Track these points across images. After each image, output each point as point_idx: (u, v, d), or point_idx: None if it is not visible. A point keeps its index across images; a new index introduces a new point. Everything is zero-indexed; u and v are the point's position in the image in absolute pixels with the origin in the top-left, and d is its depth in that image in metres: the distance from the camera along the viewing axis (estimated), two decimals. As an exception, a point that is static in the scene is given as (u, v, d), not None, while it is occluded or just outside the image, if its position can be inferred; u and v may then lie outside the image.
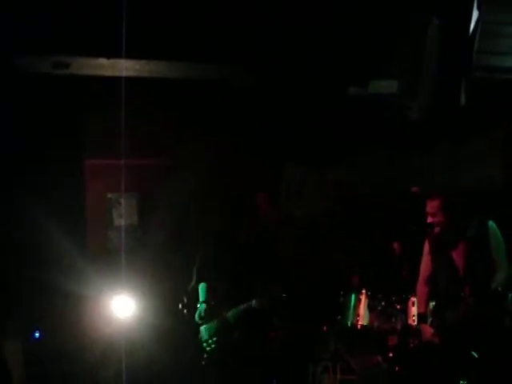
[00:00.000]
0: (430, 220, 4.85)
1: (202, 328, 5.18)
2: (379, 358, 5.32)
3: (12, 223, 5.47)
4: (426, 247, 5.08)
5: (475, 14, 5.03)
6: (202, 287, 5.27)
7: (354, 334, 5.42)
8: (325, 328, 5.55)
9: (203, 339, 5.16)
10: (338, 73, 5.59)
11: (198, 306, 5.22)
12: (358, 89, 5.53)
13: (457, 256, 4.82)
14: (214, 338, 5.11)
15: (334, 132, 6.43)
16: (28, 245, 5.50)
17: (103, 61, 5.19)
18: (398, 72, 5.21)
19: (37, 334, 5.54)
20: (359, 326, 5.38)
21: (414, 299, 5.26)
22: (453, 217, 4.80)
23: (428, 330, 4.89)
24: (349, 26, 5.36)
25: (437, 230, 4.86)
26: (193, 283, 5.23)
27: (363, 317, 5.41)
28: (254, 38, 5.37)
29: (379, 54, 5.32)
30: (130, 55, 5.04)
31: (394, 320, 5.33)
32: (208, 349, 5.12)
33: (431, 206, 4.85)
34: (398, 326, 5.30)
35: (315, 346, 5.57)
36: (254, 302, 5.03)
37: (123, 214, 6.23)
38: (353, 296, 5.48)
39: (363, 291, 5.45)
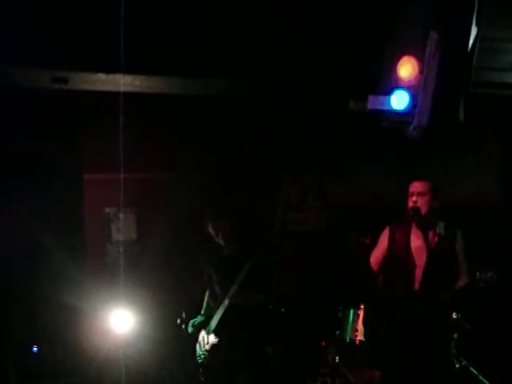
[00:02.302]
0: (414, 201, 4.87)
1: (197, 345, 5.25)
2: (378, 374, 5.32)
3: (10, 237, 5.47)
4: (386, 233, 5.12)
5: (474, 31, 5.02)
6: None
7: (353, 349, 5.42)
8: (323, 343, 5.54)
9: (198, 354, 5.21)
10: (338, 86, 5.60)
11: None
12: (358, 103, 5.52)
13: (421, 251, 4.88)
14: (204, 350, 5.17)
15: (333, 144, 6.44)
16: (26, 259, 5.51)
17: (102, 76, 5.18)
18: (396, 87, 5.21)
19: (35, 349, 5.55)
20: (358, 342, 5.38)
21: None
22: (437, 203, 4.87)
23: None
24: (347, 39, 5.38)
25: (423, 210, 4.87)
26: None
27: (362, 332, 5.40)
28: (254, 52, 5.38)
29: (379, 68, 5.32)
30: (129, 70, 5.05)
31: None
32: (200, 361, 5.17)
33: (421, 185, 4.90)
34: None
35: (314, 361, 5.56)
36: (226, 301, 5.08)
37: (121, 229, 6.23)
38: (351, 311, 5.47)
39: (361, 306, 5.45)
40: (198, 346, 5.32)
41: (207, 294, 5.44)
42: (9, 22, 4.92)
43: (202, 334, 5.31)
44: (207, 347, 5.22)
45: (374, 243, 5.26)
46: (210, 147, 6.13)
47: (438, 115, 5.16)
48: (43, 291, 5.30)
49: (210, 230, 5.30)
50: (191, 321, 5.35)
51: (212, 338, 5.21)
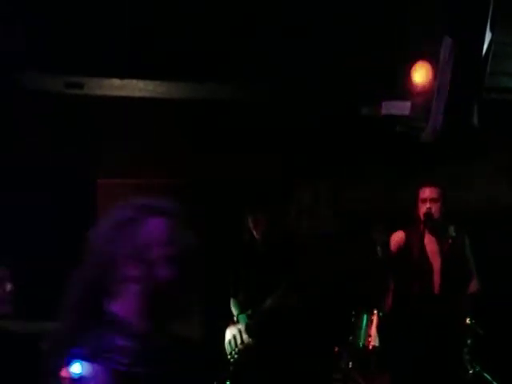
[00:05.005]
0: (428, 208, 4.88)
1: (226, 341, 5.26)
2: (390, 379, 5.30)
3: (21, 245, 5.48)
4: (401, 235, 5.13)
5: (488, 36, 5.02)
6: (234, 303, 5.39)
7: (366, 354, 5.41)
8: (336, 349, 5.53)
9: (227, 352, 5.22)
10: (351, 92, 5.59)
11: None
12: (371, 109, 5.52)
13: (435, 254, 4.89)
14: (237, 349, 5.16)
15: (345, 149, 6.44)
16: (37, 266, 5.51)
17: (116, 81, 5.21)
18: (410, 93, 5.20)
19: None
20: (371, 347, 5.37)
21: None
22: (446, 208, 4.90)
23: None
24: (362, 45, 5.38)
25: (435, 216, 4.88)
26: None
27: (375, 337, 5.39)
28: (266, 56, 5.38)
29: (392, 74, 5.32)
30: (143, 76, 5.07)
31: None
32: (232, 360, 5.18)
33: (434, 191, 4.93)
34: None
35: (326, 366, 5.55)
36: (267, 302, 5.12)
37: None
38: (365, 317, 5.46)
39: (375, 312, 5.44)
40: (228, 344, 5.31)
41: (233, 301, 5.46)
42: (23, 27, 4.96)
43: (233, 332, 5.31)
44: (240, 347, 5.21)
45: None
46: (222, 152, 6.14)
47: (451, 120, 5.15)
48: (55, 298, 5.29)
49: (251, 223, 5.42)
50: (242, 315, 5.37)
51: (246, 338, 5.21)
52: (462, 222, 5.12)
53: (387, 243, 5.12)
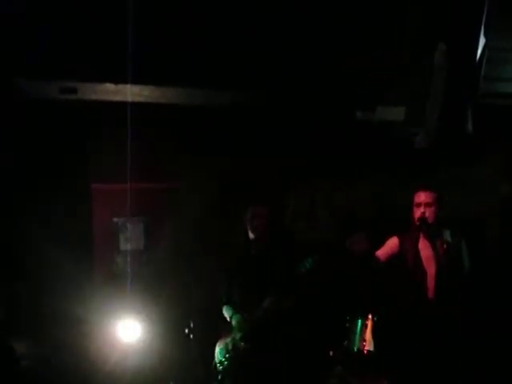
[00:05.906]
0: (422, 212, 4.89)
1: (217, 350, 5.21)
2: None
3: (18, 249, 5.48)
4: (395, 241, 5.13)
5: (482, 41, 5.04)
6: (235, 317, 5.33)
7: (361, 359, 5.40)
8: (331, 353, 5.53)
9: (217, 361, 5.18)
10: (346, 96, 5.61)
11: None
12: (365, 114, 5.53)
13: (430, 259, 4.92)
14: (227, 355, 5.12)
15: (341, 152, 6.43)
16: (34, 270, 5.51)
17: (111, 86, 5.21)
18: (405, 99, 5.22)
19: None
20: (365, 352, 5.37)
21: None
22: (442, 213, 4.93)
23: None
24: (357, 50, 5.39)
25: (430, 220, 4.89)
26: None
27: (369, 342, 5.39)
28: (261, 62, 5.40)
29: (387, 80, 5.33)
30: (137, 81, 5.08)
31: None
32: (221, 368, 5.13)
33: (428, 196, 4.94)
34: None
35: (321, 371, 5.55)
36: (264, 304, 5.10)
37: (130, 239, 6.23)
38: (359, 321, 5.46)
39: (369, 316, 5.44)
40: (219, 353, 5.27)
41: (226, 307, 5.42)
42: (18, 33, 4.96)
43: (226, 340, 5.27)
44: (232, 353, 5.15)
45: (373, 249, 5.27)
46: (217, 157, 6.13)
47: (446, 125, 5.18)
48: (52, 302, 5.31)
49: (249, 213, 5.36)
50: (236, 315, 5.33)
51: (241, 345, 5.18)
52: (460, 225, 5.12)
53: (369, 252, 5.13)
